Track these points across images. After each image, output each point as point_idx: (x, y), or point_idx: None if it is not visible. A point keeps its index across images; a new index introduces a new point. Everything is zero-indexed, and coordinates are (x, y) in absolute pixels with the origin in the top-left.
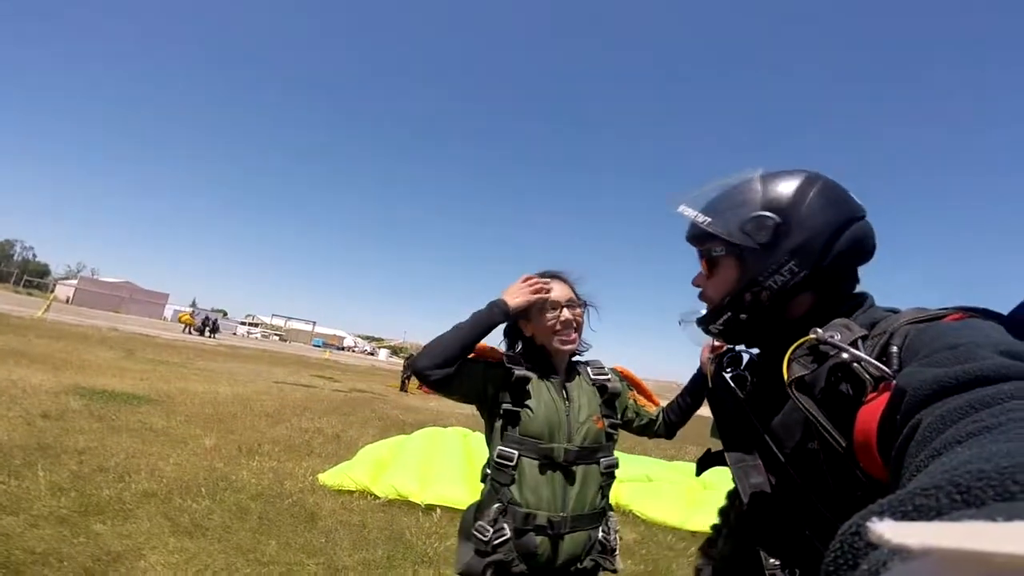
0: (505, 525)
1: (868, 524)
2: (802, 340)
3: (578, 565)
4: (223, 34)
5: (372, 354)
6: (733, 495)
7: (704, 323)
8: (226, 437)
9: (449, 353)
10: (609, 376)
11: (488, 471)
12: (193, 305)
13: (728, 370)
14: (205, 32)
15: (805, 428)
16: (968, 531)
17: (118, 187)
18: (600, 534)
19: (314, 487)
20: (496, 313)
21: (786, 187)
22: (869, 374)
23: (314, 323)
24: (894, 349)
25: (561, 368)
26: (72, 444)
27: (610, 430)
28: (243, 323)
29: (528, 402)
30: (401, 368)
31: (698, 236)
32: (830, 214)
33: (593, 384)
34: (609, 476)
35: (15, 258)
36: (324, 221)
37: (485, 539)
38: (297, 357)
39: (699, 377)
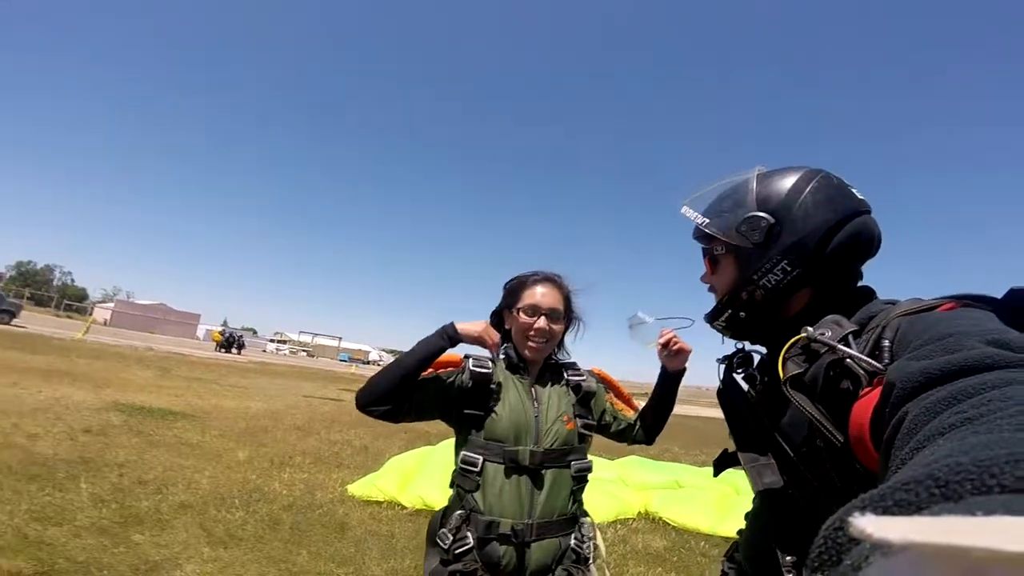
0: (468, 534)
1: (850, 519)
2: (795, 339)
3: (550, 575)
4: (255, 53)
5: None
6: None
7: (709, 319)
8: (258, 450)
9: (389, 387)
10: (584, 376)
11: (454, 476)
12: (224, 324)
13: (739, 370)
14: (232, 54)
15: (810, 426)
16: (947, 526)
17: (149, 213)
18: (572, 542)
19: (343, 498)
20: (443, 339)
21: (781, 186)
22: (862, 369)
23: (340, 338)
24: (886, 343)
25: (533, 368)
26: (113, 458)
27: (583, 431)
28: (272, 340)
29: (493, 405)
30: None
31: (700, 236)
32: (825, 212)
33: (567, 384)
34: (581, 480)
35: (55, 283)
36: (348, 239)
37: (446, 547)
38: (324, 372)
39: (664, 374)
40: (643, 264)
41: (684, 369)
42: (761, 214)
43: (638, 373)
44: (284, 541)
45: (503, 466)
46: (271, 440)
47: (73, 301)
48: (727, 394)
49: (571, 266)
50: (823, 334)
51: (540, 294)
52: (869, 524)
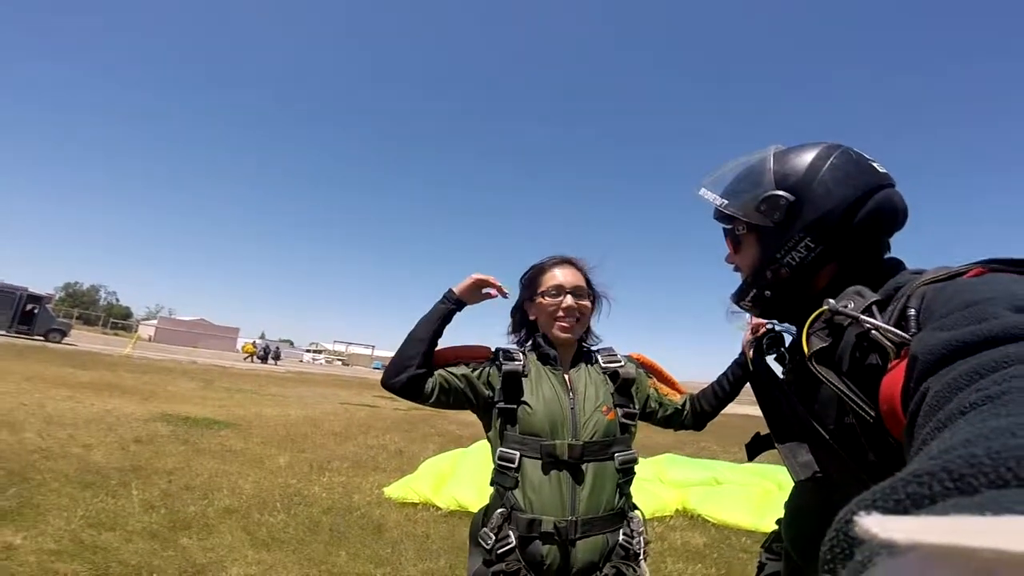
0: (510, 533)
1: (856, 518)
2: (817, 312)
3: (597, 573)
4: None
5: None
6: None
7: (735, 299)
8: (298, 456)
9: (407, 355)
10: (622, 363)
11: (493, 475)
12: (262, 336)
13: (770, 352)
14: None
15: (840, 403)
16: (954, 526)
17: (188, 233)
18: (621, 538)
19: (380, 500)
20: (445, 303)
21: (799, 163)
22: (889, 340)
23: (373, 347)
24: (911, 312)
25: (566, 357)
26: (161, 465)
27: (625, 420)
28: (308, 351)
29: (525, 398)
30: None
31: (721, 217)
32: (846, 188)
33: (604, 372)
34: (627, 472)
35: (101, 303)
36: (380, 249)
37: (488, 547)
38: (359, 380)
39: (740, 362)
40: (670, 264)
41: None
42: (780, 192)
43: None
44: (324, 543)
45: (541, 461)
46: (310, 446)
47: (119, 319)
48: (759, 378)
49: (594, 250)
50: (846, 306)
51: (561, 274)
52: (875, 524)
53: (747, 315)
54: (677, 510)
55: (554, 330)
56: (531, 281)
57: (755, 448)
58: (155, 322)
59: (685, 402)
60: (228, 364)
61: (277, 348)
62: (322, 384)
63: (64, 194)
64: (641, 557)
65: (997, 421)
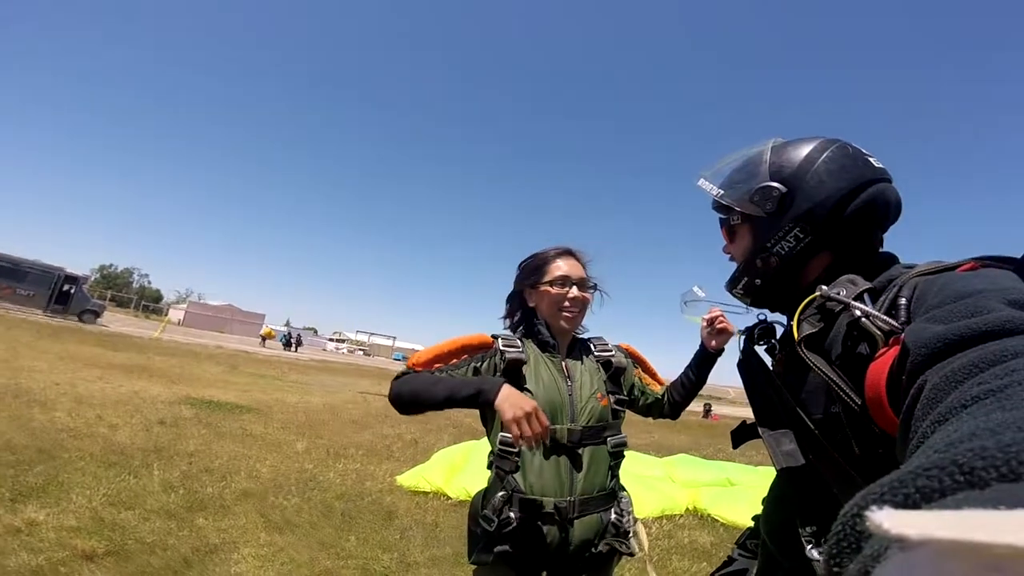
0: (511, 514)
1: (866, 513)
2: (809, 298)
3: (592, 550)
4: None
5: None
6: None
7: (728, 287)
8: (316, 442)
9: (423, 400)
10: (613, 352)
11: (492, 459)
12: (287, 324)
13: (760, 342)
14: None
15: (827, 392)
16: (967, 521)
17: (219, 218)
18: (612, 516)
19: (392, 488)
20: (479, 399)
21: (794, 156)
22: (878, 328)
23: (394, 338)
24: (902, 301)
25: (562, 346)
26: (183, 448)
27: (616, 407)
28: (331, 339)
29: (527, 384)
30: None
31: (718, 207)
32: (839, 180)
33: (597, 360)
34: (618, 456)
35: (133, 285)
36: (404, 240)
37: (491, 529)
38: (380, 370)
39: (702, 352)
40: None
41: (722, 350)
42: (773, 184)
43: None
44: (335, 527)
45: (543, 445)
46: (328, 432)
47: (150, 302)
48: (747, 365)
49: (586, 244)
50: (838, 293)
51: (566, 265)
52: (886, 519)
53: (704, 305)
54: (687, 509)
55: (560, 320)
56: (535, 270)
57: (740, 436)
58: (185, 306)
59: (664, 393)
60: (253, 350)
61: (299, 335)
62: (343, 373)
63: (102, 177)
64: (631, 534)
65: (1003, 414)
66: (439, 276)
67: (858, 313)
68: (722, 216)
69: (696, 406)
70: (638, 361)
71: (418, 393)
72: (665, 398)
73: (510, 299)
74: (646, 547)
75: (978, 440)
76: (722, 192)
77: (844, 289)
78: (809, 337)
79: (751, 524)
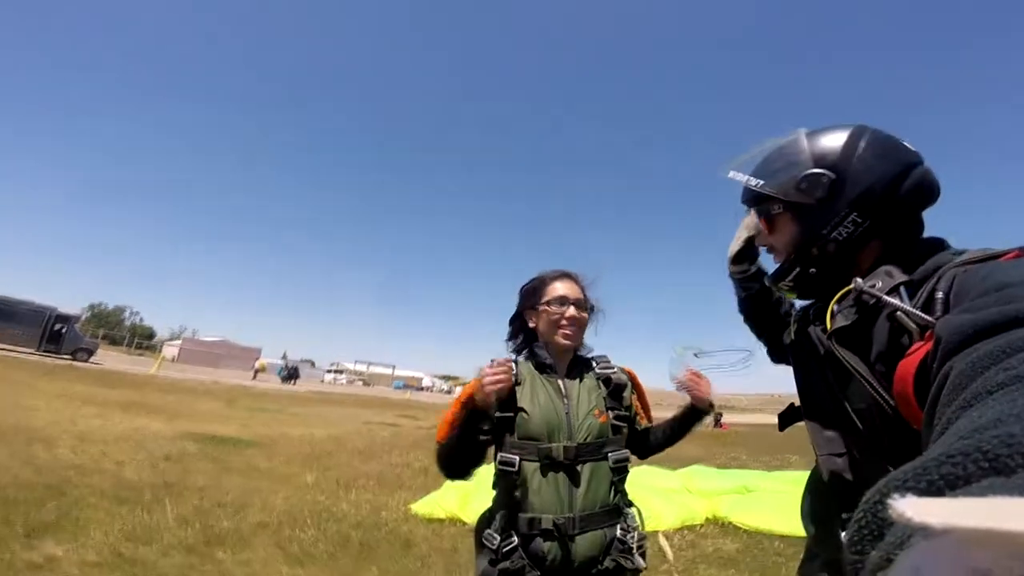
0: (513, 532)
1: (889, 501)
2: (845, 290)
3: (599, 567)
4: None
5: (449, 392)
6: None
7: (774, 279)
8: (324, 474)
9: (453, 457)
10: (615, 370)
11: (494, 479)
12: (284, 357)
13: (816, 323)
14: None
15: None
16: (992, 509)
17: (209, 253)
18: (617, 532)
19: (407, 516)
20: (468, 412)
21: (835, 142)
22: (915, 323)
23: (393, 366)
24: (939, 295)
25: (562, 364)
26: (193, 482)
27: (616, 423)
28: (329, 371)
29: (522, 404)
30: None
31: (753, 199)
32: (885, 164)
33: (597, 377)
34: (620, 471)
35: (126, 323)
36: (399, 268)
37: (494, 547)
38: (381, 399)
39: (690, 408)
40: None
41: (706, 409)
42: (820, 170)
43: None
44: (354, 558)
45: (539, 464)
46: (335, 464)
47: (143, 339)
48: (798, 347)
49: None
50: (873, 285)
51: (563, 287)
52: (909, 507)
53: (687, 362)
54: (707, 518)
55: (557, 338)
56: (534, 291)
57: (787, 419)
58: (179, 343)
59: (648, 429)
60: (250, 384)
61: (296, 367)
62: (344, 404)
63: (91, 217)
64: (635, 551)
65: None
66: (436, 301)
67: (889, 306)
68: (758, 208)
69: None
70: (635, 387)
71: (444, 454)
72: (649, 437)
73: (512, 321)
74: (671, 557)
75: (1004, 426)
76: (761, 182)
77: (880, 281)
78: (843, 330)
79: (781, 532)
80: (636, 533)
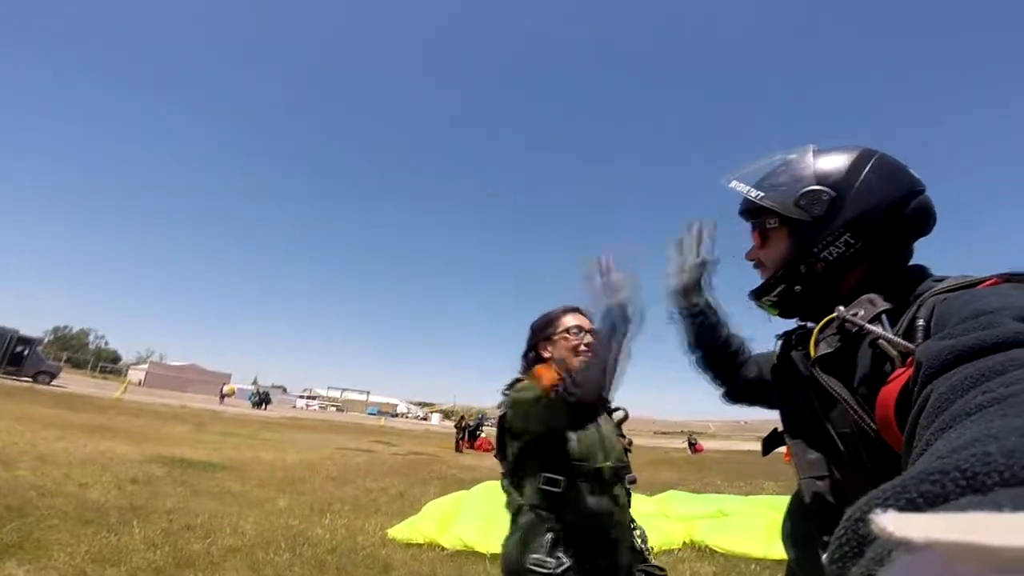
0: (561, 553)
1: (871, 516)
2: (828, 318)
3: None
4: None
5: (425, 419)
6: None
7: (757, 295)
8: (297, 498)
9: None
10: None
11: (523, 504)
12: (255, 382)
13: (798, 348)
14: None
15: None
16: (971, 524)
17: (177, 277)
18: (637, 543)
19: (384, 541)
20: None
21: (840, 162)
22: (896, 350)
23: (368, 392)
24: (920, 322)
25: None
26: (160, 505)
27: (627, 447)
28: (301, 396)
29: None
30: (455, 430)
31: (751, 210)
32: (887, 188)
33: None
34: (630, 494)
35: (90, 346)
36: (372, 294)
37: (548, 571)
38: (355, 425)
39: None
40: None
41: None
42: (822, 188)
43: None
44: None
45: (588, 484)
46: (309, 489)
47: (108, 363)
48: (781, 370)
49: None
50: (855, 314)
51: (576, 318)
52: (890, 522)
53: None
54: (684, 542)
55: (578, 363)
56: (547, 324)
57: (771, 443)
58: (145, 366)
59: None
60: (220, 408)
61: (267, 393)
62: (317, 429)
63: (53, 239)
64: (648, 555)
65: (1006, 421)
66: (411, 328)
67: (872, 335)
68: (754, 220)
69: (681, 441)
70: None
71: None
72: None
73: (525, 355)
74: None
75: (981, 445)
76: (762, 194)
77: (863, 309)
78: (827, 357)
79: (756, 555)
80: (646, 544)
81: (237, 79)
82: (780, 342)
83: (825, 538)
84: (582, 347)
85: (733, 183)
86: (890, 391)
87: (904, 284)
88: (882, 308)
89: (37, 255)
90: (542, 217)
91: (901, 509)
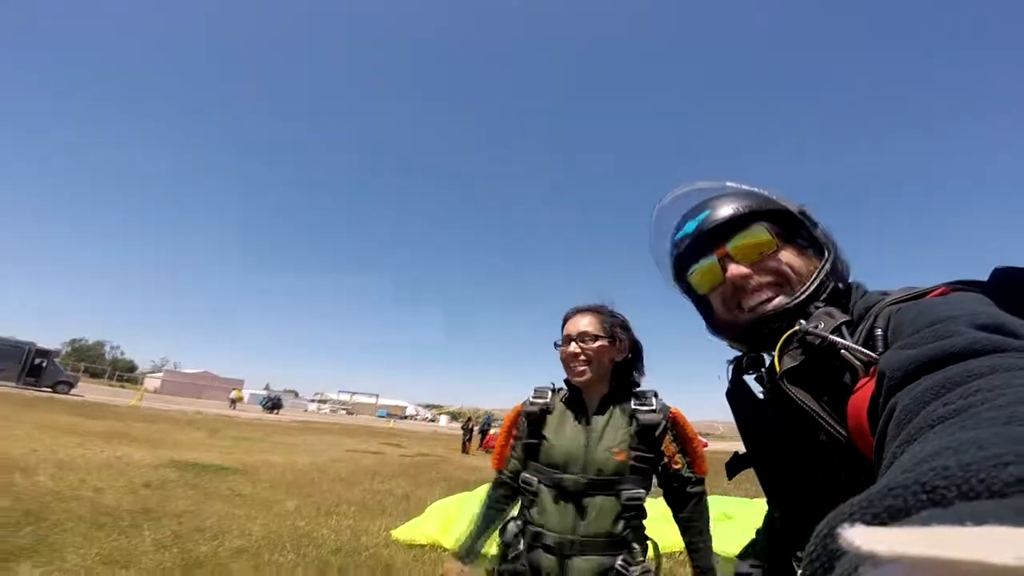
0: (521, 542)
1: (838, 531)
2: (790, 332)
3: None
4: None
5: (433, 421)
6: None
7: (712, 330)
8: (306, 500)
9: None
10: (652, 408)
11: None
12: (267, 388)
13: (749, 371)
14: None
15: (813, 421)
16: (935, 538)
17: (190, 287)
18: (619, 562)
19: (388, 542)
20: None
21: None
22: (858, 359)
23: (377, 396)
24: (878, 332)
25: (592, 397)
26: (172, 508)
27: (636, 463)
28: (313, 400)
29: (546, 433)
30: (461, 432)
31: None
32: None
33: (630, 415)
34: (633, 509)
35: (106, 357)
36: (381, 299)
37: (505, 549)
38: (364, 427)
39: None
40: None
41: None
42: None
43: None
44: None
45: (553, 491)
46: (317, 491)
47: (124, 372)
48: (735, 395)
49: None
50: (816, 326)
51: (572, 323)
52: (857, 536)
53: None
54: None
55: (570, 375)
56: (564, 324)
57: (735, 467)
58: (161, 375)
59: (696, 482)
60: (234, 414)
61: (278, 398)
62: (327, 432)
63: (68, 252)
64: None
65: (964, 434)
66: (420, 331)
67: (839, 347)
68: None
69: None
70: (677, 432)
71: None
72: (685, 491)
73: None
74: None
75: (940, 459)
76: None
77: (822, 322)
78: (792, 371)
79: (753, 537)
80: (639, 568)
81: (251, 85)
82: (731, 367)
83: (799, 553)
84: (568, 359)
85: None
86: (860, 400)
87: (846, 299)
88: (841, 320)
89: (52, 269)
90: (551, 218)
91: (867, 523)
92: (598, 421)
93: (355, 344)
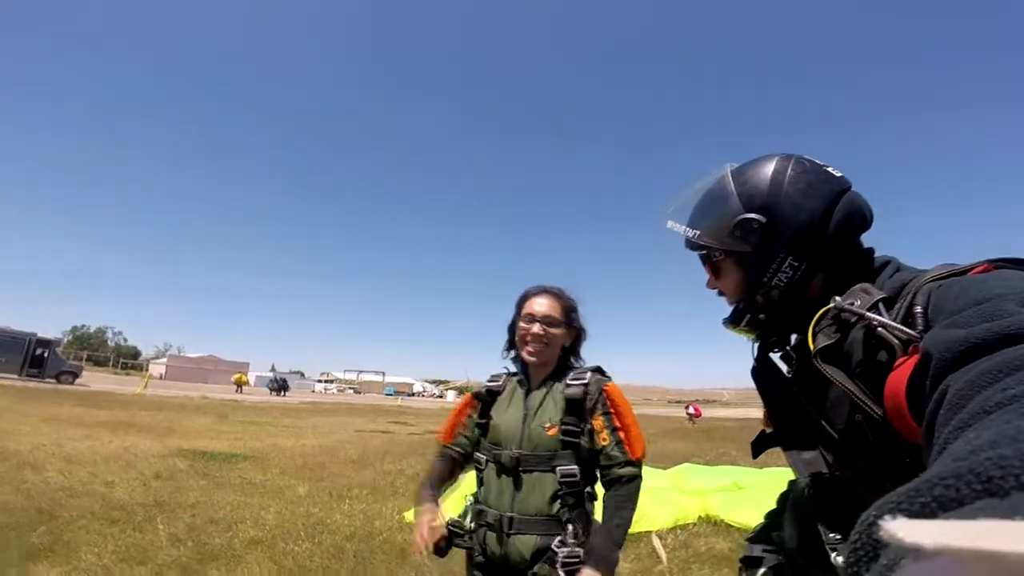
0: (472, 522)
1: (881, 522)
2: (824, 310)
3: (531, 572)
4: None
5: (441, 396)
6: (792, 480)
7: (730, 324)
8: (317, 485)
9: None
10: (583, 382)
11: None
12: (273, 369)
13: (775, 349)
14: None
15: (849, 401)
16: (983, 530)
17: (190, 270)
18: (555, 542)
19: (401, 525)
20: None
21: (759, 181)
22: (896, 338)
23: (383, 373)
24: (918, 309)
25: (538, 376)
26: (184, 500)
27: (566, 438)
28: (319, 380)
29: (495, 413)
30: None
31: (694, 245)
32: (813, 199)
33: (563, 391)
34: (568, 485)
35: (109, 343)
36: (384, 274)
37: (457, 530)
38: (372, 406)
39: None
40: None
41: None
42: (751, 216)
43: (671, 376)
44: (350, 570)
45: (495, 467)
46: (328, 474)
47: (128, 359)
48: (761, 373)
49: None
50: (852, 303)
51: (538, 303)
52: (901, 528)
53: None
54: (700, 517)
55: (523, 353)
56: (518, 305)
57: (760, 446)
58: (165, 360)
59: (625, 463)
60: (240, 398)
61: (284, 379)
62: (335, 413)
63: (63, 241)
64: (559, 565)
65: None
66: (424, 305)
67: (875, 324)
68: (701, 253)
69: (681, 411)
70: (607, 403)
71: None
72: (617, 472)
73: (509, 330)
74: (664, 559)
75: (998, 448)
76: (698, 232)
77: (858, 299)
78: (825, 348)
79: (763, 520)
80: (571, 551)
81: (240, 77)
82: (757, 345)
83: (833, 537)
84: (528, 337)
85: (669, 223)
86: (898, 379)
87: (872, 275)
88: (878, 296)
89: (49, 258)
90: (550, 195)
91: (915, 514)
92: (535, 397)
93: (357, 322)
